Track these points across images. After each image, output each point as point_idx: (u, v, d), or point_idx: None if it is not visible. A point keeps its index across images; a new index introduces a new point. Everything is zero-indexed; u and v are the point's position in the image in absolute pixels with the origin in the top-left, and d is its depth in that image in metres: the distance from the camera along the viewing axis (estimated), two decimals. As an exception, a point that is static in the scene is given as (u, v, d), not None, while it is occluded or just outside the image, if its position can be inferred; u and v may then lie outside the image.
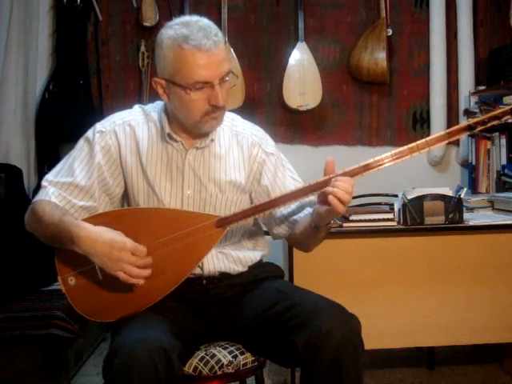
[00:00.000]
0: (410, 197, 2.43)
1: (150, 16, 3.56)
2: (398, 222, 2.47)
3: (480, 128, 1.52)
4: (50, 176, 1.62)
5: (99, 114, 3.44)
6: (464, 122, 1.63)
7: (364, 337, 1.47)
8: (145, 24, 3.56)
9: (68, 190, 1.58)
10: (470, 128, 1.51)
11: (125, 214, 1.59)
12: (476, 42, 3.79)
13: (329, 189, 1.46)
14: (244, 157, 1.69)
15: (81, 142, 1.64)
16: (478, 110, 3.49)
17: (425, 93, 3.80)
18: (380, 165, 1.51)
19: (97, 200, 1.60)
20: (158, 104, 1.68)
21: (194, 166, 1.63)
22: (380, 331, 2.44)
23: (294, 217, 1.70)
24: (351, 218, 2.43)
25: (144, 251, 1.47)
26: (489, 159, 3.48)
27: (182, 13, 3.52)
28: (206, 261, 1.64)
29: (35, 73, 3.44)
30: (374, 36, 3.63)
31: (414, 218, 2.42)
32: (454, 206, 2.43)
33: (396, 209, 2.48)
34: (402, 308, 2.50)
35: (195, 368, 1.58)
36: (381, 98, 3.80)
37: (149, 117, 1.66)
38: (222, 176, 1.65)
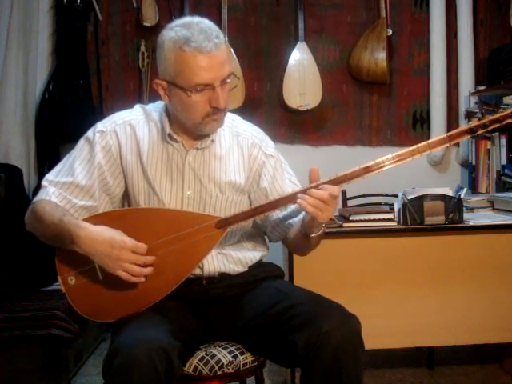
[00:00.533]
0: (410, 197, 2.43)
1: (149, 16, 3.56)
2: (398, 222, 2.47)
3: (481, 131, 1.52)
4: (50, 176, 1.62)
5: (99, 114, 3.44)
6: (464, 123, 1.64)
7: (364, 337, 1.47)
8: (145, 24, 3.56)
9: (68, 190, 1.58)
10: (471, 131, 1.51)
11: (125, 214, 1.59)
12: (476, 42, 3.79)
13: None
14: (244, 158, 1.69)
15: (81, 142, 1.64)
16: (478, 111, 3.49)
17: (425, 93, 3.80)
18: (381, 167, 1.51)
19: (97, 200, 1.60)
20: (159, 104, 1.68)
21: (194, 167, 1.63)
22: (380, 331, 2.44)
23: (289, 221, 1.70)
24: (351, 218, 2.43)
25: (144, 248, 1.47)
26: (489, 159, 3.48)
27: (182, 13, 3.52)
28: (206, 261, 1.64)
29: (35, 73, 3.44)
30: (374, 36, 3.63)
31: (413, 218, 2.42)
32: (453, 206, 2.43)
33: (396, 209, 2.48)
34: (402, 308, 2.50)
35: (195, 368, 1.58)
36: (381, 97, 3.80)
37: (149, 117, 1.66)
38: (222, 176, 1.65)
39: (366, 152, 3.77)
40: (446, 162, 3.87)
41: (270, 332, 1.54)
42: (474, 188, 3.58)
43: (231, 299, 1.68)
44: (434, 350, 2.84)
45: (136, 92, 3.64)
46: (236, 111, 1.77)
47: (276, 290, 1.64)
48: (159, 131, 1.64)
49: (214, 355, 1.59)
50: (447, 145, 1.53)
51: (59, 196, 1.57)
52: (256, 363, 1.65)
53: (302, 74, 3.59)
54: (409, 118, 3.83)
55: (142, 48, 3.57)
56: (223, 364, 1.58)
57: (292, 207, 1.66)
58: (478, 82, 3.77)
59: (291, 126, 3.75)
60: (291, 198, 1.51)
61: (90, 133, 1.64)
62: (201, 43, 1.47)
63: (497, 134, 3.42)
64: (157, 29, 3.56)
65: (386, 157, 1.51)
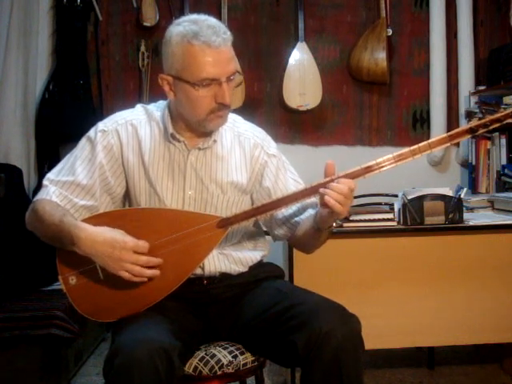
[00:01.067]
0: (410, 197, 2.43)
1: (149, 16, 3.56)
2: (398, 222, 2.47)
3: (482, 131, 1.52)
4: (51, 175, 1.61)
5: (99, 114, 3.44)
6: (464, 123, 1.64)
7: (364, 337, 1.47)
8: (145, 24, 3.56)
9: (69, 189, 1.58)
10: (471, 131, 1.51)
11: (126, 214, 1.59)
12: (476, 42, 3.79)
13: (322, 190, 1.46)
14: (246, 158, 1.69)
15: (83, 141, 1.64)
16: (478, 111, 3.49)
17: (425, 93, 3.80)
18: (382, 167, 1.51)
19: (98, 199, 1.60)
20: (161, 104, 1.68)
21: (195, 167, 1.63)
22: (380, 331, 2.44)
23: (296, 219, 1.69)
24: (351, 218, 2.43)
25: (146, 247, 1.47)
26: (489, 159, 3.48)
27: (182, 13, 3.52)
28: (207, 261, 1.64)
29: (35, 73, 3.44)
30: (374, 36, 3.63)
31: (414, 218, 2.42)
32: (454, 205, 2.43)
33: (396, 209, 2.48)
34: (401, 308, 2.50)
35: (195, 368, 1.58)
36: (381, 98, 3.80)
37: (151, 116, 1.66)
38: (224, 177, 1.65)
39: (366, 152, 3.77)
40: (446, 162, 3.87)
41: (270, 332, 1.54)
42: (474, 188, 3.58)
43: (231, 299, 1.68)
44: (434, 349, 2.84)
45: (136, 92, 3.64)
46: (236, 111, 1.77)
47: (276, 290, 1.64)
48: (161, 131, 1.64)
49: (214, 355, 1.59)
50: (448, 144, 1.53)
51: (60, 195, 1.56)
52: (256, 363, 1.65)
53: (302, 74, 3.59)
54: (409, 118, 3.83)
55: (142, 48, 3.57)
56: (223, 364, 1.58)
57: (297, 205, 1.65)
58: (477, 82, 3.77)
59: (291, 126, 3.75)
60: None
61: (91, 132, 1.64)
62: (209, 38, 1.47)
63: (497, 133, 3.42)
64: (157, 29, 3.57)
65: (387, 156, 1.51)
